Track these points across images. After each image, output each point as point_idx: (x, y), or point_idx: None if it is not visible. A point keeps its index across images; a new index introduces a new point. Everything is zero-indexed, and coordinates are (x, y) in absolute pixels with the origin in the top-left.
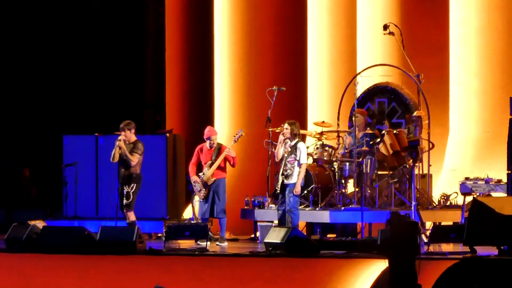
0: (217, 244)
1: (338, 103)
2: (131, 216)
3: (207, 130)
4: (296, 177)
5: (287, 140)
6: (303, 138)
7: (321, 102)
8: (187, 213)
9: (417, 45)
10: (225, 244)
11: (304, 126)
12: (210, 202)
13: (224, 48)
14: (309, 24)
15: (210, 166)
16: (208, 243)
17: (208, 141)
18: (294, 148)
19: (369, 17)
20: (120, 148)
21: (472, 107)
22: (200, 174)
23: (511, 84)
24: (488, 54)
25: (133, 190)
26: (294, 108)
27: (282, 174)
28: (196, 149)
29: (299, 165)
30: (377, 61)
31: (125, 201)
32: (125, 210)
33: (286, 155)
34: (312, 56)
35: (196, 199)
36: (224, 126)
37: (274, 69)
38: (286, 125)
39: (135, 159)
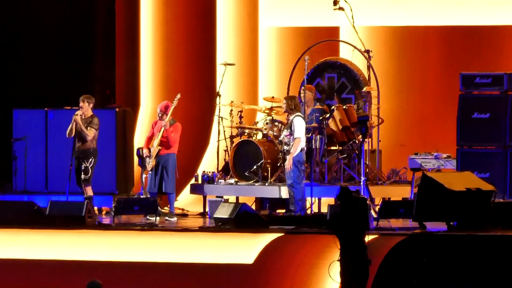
0: (166, 219)
1: (288, 78)
2: (89, 191)
3: (163, 104)
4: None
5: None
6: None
7: (272, 78)
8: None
9: None
10: (175, 219)
11: (255, 101)
12: (159, 177)
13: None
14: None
15: (158, 136)
16: (157, 218)
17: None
18: (291, 123)
19: None
20: (76, 122)
21: (421, 83)
22: (150, 147)
23: (462, 59)
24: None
25: (91, 165)
26: (244, 84)
27: (283, 151)
28: (152, 123)
29: (293, 139)
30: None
31: (83, 176)
32: (83, 185)
33: (284, 131)
34: (263, 31)
35: (144, 175)
36: (192, 102)
37: (225, 44)
38: (284, 100)
39: (91, 133)
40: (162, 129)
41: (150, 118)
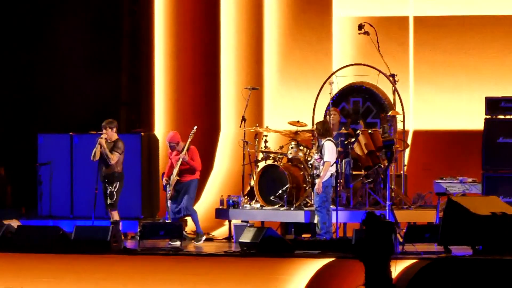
0: (194, 244)
1: (313, 102)
2: (115, 215)
3: (168, 136)
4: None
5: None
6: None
7: (297, 102)
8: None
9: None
10: (203, 238)
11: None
12: (179, 203)
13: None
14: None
15: (176, 166)
16: (181, 242)
17: (168, 145)
18: (321, 147)
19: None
20: (100, 146)
21: (446, 106)
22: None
23: (486, 84)
24: (461, 54)
25: (116, 189)
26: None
27: (312, 175)
28: (168, 153)
29: (323, 163)
30: (352, 60)
31: (109, 201)
32: (109, 210)
33: (314, 155)
34: (285, 55)
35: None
36: (198, 125)
37: (246, 69)
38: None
39: (114, 157)
40: (180, 160)
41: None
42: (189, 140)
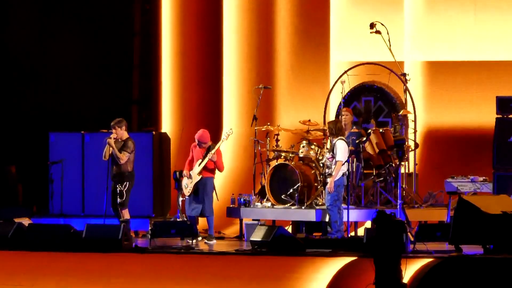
0: (205, 242)
1: (324, 101)
2: (125, 214)
3: (199, 134)
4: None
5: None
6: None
7: (308, 100)
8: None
9: None
10: (214, 241)
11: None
12: (198, 200)
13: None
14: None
15: (200, 164)
16: (194, 240)
17: (197, 143)
18: (333, 146)
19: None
20: (109, 146)
21: (458, 105)
22: (191, 171)
23: (498, 83)
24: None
25: (126, 188)
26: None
27: (324, 173)
28: (191, 146)
29: (335, 162)
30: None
31: (118, 200)
32: (119, 209)
33: (326, 154)
34: (296, 54)
35: (181, 198)
36: (211, 124)
37: (260, 68)
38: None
39: (124, 157)
40: (207, 159)
41: (183, 141)
42: (222, 141)
